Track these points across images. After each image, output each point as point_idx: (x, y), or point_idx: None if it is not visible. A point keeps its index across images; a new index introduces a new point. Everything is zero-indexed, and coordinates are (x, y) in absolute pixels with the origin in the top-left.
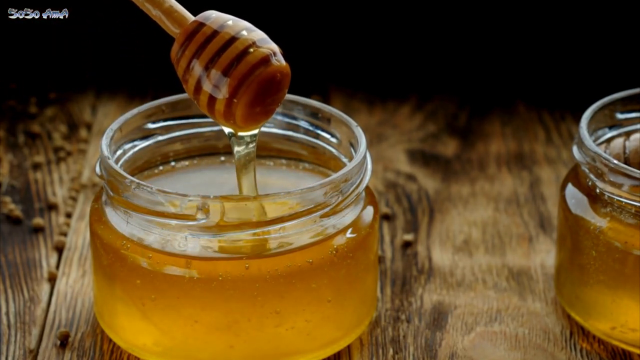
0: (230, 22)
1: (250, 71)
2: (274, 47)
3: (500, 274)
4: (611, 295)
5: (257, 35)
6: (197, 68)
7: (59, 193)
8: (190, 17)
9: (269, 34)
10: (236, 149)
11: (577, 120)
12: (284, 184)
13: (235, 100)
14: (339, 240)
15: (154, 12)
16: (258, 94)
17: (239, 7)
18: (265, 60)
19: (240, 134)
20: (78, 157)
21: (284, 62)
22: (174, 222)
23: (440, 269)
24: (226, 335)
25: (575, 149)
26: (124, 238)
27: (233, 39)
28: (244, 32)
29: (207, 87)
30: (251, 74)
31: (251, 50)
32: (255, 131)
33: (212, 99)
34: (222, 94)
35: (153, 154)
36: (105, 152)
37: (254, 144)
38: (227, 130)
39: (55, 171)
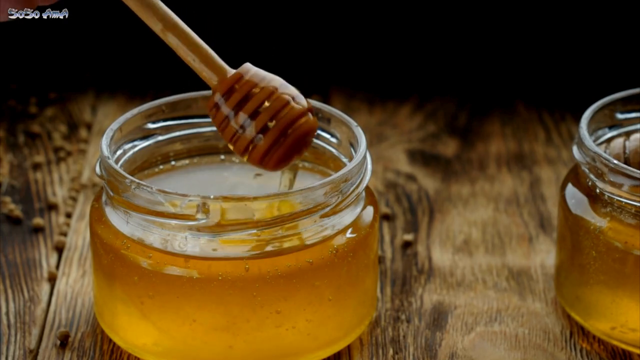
0: (268, 78)
1: (289, 125)
2: (308, 103)
3: (500, 274)
4: (611, 295)
5: (294, 91)
6: (238, 118)
7: (59, 193)
8: (227, 67)
9: (270, 34)
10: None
11: (577, 120)
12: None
13: (272, 152)
14: (339, 240)
15: (195, 65)
16: (292, 146)
17: (240, 8)
18: (302, 116)
19: None
20: (78, 157)
21: (314, 118)
22: (174, 222)
23: (440, 269)
24: (226, 336)
25: (575, 149)
26: (124, 238)
27: (273, 94)
28: (283, 89)
29: (246, 136)
30: (290, 128)
31: (291, 105)
32: None
33: (249, 148)
34: (261, 145)
35: (153, 154)
36: (105, 152)
37: None
38: None
39: (55, 171)
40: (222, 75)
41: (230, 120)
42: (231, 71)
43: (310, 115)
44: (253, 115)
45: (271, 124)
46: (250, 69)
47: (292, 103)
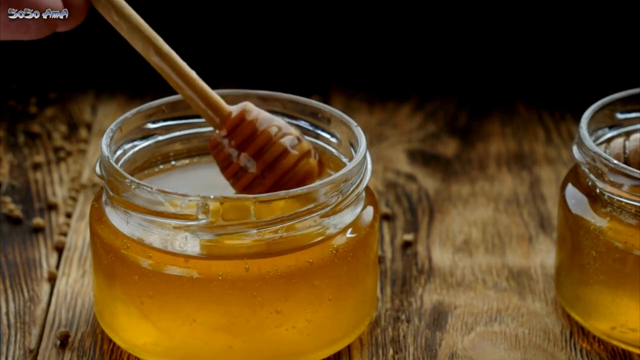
0: (268, 120)
1: (287, 173)
2: (307, 145)
3: (500, 274)
4: (611, 295)
5: (294, 133)
6: (240, 160)
7: (59, 193)
8: (228, 107)
9: (270, 34)
10: None
11: (577, 120)
12: None
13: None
14: (339, 240)
15: (201, 106)
16: (291, 187)
17: (240, 8)
18: (302, 159)
19: None
20: (78, 157)
21: (315, 162)
22: (174, 222)
23: (440, 269)
24: (226, 336)
25: (575, 149)
26: (124, 238)
27: (271, 140)
28: (284, 130)
29: (246, 177)
30: (287, 175)
31: (291, 150)
32: None
33: (250, 187)
34: (259, 189)
35: (153, 153)
36: (105, 152)
37: None
38: None
39: (55, 171)
40: (224, 116)
41: (232, 160)
42: (233, 111)
43: (309, 158)
44: (254, 158)
45: (269, 171)
46: (252, 110)
47: (290, 149)
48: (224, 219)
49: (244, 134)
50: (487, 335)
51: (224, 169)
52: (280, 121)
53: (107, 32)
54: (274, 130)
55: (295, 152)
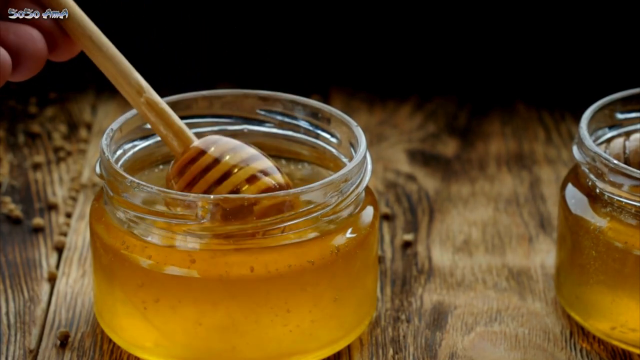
0: (228, 156)
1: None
2: (272, 180)
3: (500, 274)
4: (611, 295)
5: (254, 167)
6: (191, 196)
7: (59, 193)
8: (194, 139)
9: (270, 35)
10: None
11: (577, 120)
12: None
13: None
14: (339, 240)
15: (163, 131)
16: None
17: (240, 8)
18: (254, 202)
19: None
20: (78, 157)
21: (275, 193)
22: (174, 222)
23: (440, 269)
24: (226, 336)
25: (575, 149)
26: (124, 238)
27: (227, 174)
28: (241, 166)
29: (197, 212)
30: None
31: (243, 188)
32: None
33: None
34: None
35: (153, 154)
36: (105, 152)
37: None
38: None
39: (55, 171)
40: (185, 147)
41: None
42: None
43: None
44: (205, 192)
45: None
46: (211, 143)
47: (246, 185)
48: (224, 219)
49: (199, 167)
50: (487, 335)
51: (172, 202)
52: (246, 153)
53: (107, 32)
54: (233, 165)
55: (249, 189)
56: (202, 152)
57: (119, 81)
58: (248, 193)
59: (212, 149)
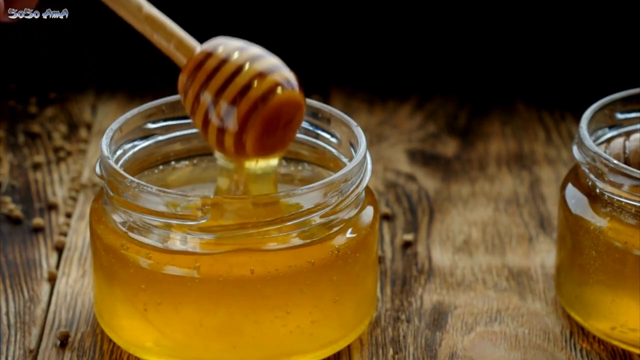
0: (236, 53)
1: (254, 106)
2: (281, 76)
3: (500, 274)
4: (611, 295)
5: (264, 64)
6: (205, 101)
7: (59, 193)
8: (197, 46)
9: (270, 35)
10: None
11: (577, 120)
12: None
13: (243, 136)
14: (339, 240)
15: (164, 44)
16: (265, 127)
17: (240, 8)
18: (269, 93)
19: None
20: (78, 157)
21: (292, 90)
22: (174, 222)
23: (440, 269)
24: (226, 336)
25: (575, 149)
26: (124, 238)
27: (236, 73)
28: (248, 64)
29: (215, 121)
30: (255, 109)
31: (254, 83)
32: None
33: (220, 134)
34: (230, 129)
35: (153, 154)
36: (105, 152)
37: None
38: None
39: (55, 171)
40: (189, 55)
41: (198, 105)
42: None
43: (280, 88)
44: (216, 98)
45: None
46: (217, 46)
47: (258, 79)
48: (224, 219)
49: (206, 70)
50: (487, 335)
51: (193, 116)
52: (256, 51)
53: (107, 32)
54: (242, 61)
55: (267, 79)
56: (209, 55)
57: (120, 1)
58: (259, 88)
59: (220, 49)
